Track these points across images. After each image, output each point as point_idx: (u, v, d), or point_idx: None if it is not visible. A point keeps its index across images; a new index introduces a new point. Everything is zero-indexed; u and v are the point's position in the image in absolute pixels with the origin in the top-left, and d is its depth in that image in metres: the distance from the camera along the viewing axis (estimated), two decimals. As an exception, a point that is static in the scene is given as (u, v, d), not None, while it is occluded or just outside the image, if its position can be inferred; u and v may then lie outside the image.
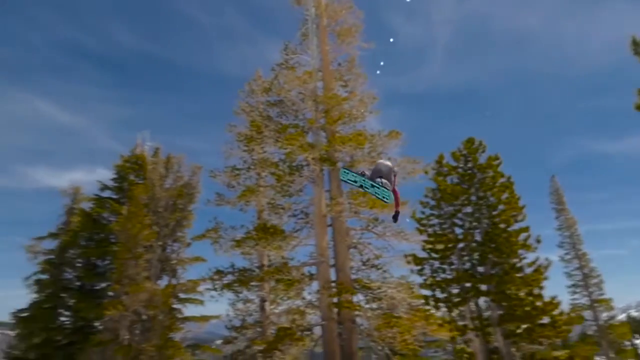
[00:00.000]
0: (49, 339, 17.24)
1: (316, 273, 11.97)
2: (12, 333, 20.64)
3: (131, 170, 18.84)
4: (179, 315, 16.23)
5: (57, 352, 16.94)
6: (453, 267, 16.53)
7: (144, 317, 14.27)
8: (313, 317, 12.29)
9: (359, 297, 11.78)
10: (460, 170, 18.06)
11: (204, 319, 17.08)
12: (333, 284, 11.52)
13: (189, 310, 17.11)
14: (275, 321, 13.55)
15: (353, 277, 11.94)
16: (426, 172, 17.78)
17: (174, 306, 15.66)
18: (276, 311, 13.72)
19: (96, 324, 17.01)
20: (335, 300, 11.05)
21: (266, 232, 11.86)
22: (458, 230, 17.17)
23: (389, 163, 4.56)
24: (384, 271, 11.91)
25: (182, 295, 16.53)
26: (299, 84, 13.23)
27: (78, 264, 18.08)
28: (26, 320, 17.80)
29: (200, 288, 16.88)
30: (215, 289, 11.67)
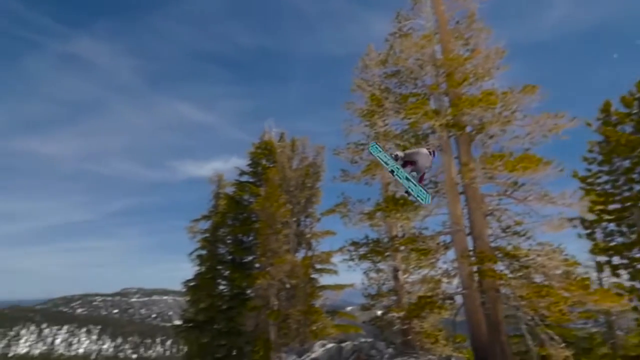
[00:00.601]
0: (213, 304, 20.48)
1: (451, 242, 11.72)
2: (183, 299, 25.10)
3: (262, 156, 20.84)
4: (317, 284, 17.63)
5: (219, 315, 20.03)
6: (634, 229, 14.42)
7: (288, 285, 15.92)
8: (448, 286, 12.16)
9: (499, 266, 11.21)
10: (635, 116, 15.38)
11: (339, 287, 18.17)
12: (471, 253, 11.16)
13: (325, 279, 18.42)
14: (410, 290, 13.78)
15: (492, 245, 11.36)
16: (589, 124, 15.75)
17: (312, 276, 17.02)
18: (410, 280, 13.91)
19: (248, 291, 19.60)
20: (475, 269, 10.71)
21: (396, 204, 12.01)
22: (637, 187, 14.83)
23: None
24: (528, 238, 11.04)
25: (318, 266, 17.86)
26: (416, 50, 12.77)
27: (228, 241, 20.93)
28: (193, 289, 21.39)
29: (334, 259, 18.11)
30: (352, 259, 12.33)
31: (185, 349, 21.84)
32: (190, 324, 20.94)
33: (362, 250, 12.29)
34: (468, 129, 11.93)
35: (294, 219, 17.68)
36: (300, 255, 17.57)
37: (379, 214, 12.62)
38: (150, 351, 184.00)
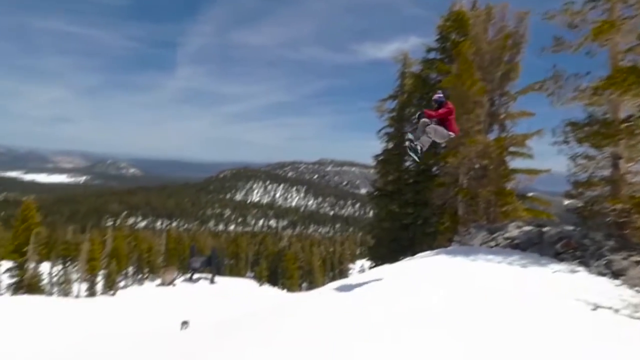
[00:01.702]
0: (400, 177, 22.26)
1: None
2: (369, 171, 27.95)
3: (452, 29, 18.93)
4: (509, 167, 16.74)
5: (406, 187, 21.76)
6: None
7: (477, 166, 15.68)
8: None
9: None
10: None
11: (534, 172, 16.83)
12: None
13: (517, 163, 17.24)
14: (632, 180, 11.69)
15: None
16: None
17: (505, 158, 16.15)
18: (634, 169, 11.69)
19: (434, 169, 20.29)
20: None
21: (631, 74, 9.58)
22: None
23: None
24: None
25: (511, 149, 16.69)
26: None
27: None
28: (382, 163, 23.43)
29: (529, 142, 16.49)
30: (566, 142, 11.00)
31: (373, 213, 25.09)
32: (381, 193, 23.62)
33: (582, 132, 10.73)
34: None
35: (488, 97, 16.32)
36: (492, 136, 16.64)
37: (602, 90, 10.41)
38: (343, 211, 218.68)
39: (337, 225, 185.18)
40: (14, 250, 32.80)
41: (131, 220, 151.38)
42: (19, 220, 34.29)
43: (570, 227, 6.81)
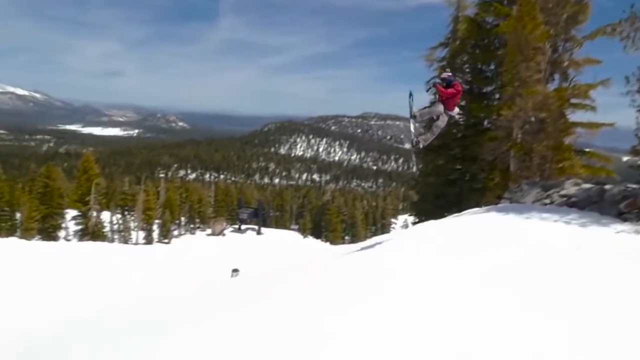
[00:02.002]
0: (448, 131, 21.26)
1: None
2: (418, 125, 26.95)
3: (514, -37, 16.94)
4: (569, 121, 15.50)
5: (454, 142, 20.92)
6: None
7: (533, 119, 14.64)
8: None
9: None
10: None
11: (596, 125, 15.51)
12: None
13: (577, 116, 15.90)
14: None
15: None
16: None
17: (565, 111, 14.94)
18: None
19: (485, 122, 19.24)
20: None
21: None
22: None
23: None
24: None
25: (573, 100, 15.34)
26: None
27: (467, 69, 19.98)
28: (429, 116, 22.49)
29: (593, 93, 15.08)
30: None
31: (418, 168, 24.43)
32: (427, 147, 22.89)
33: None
34: None
35: (550, 43, 14.86)
36: (552, 86, 15.35)
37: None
38: (386, 165, 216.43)
39: (380, 180, 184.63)
40: (78, 200, 35.99)
41: (181, 173, 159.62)
42: (80, 171, 37.30)
43: (635, 185, 6.25)
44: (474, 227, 6.55)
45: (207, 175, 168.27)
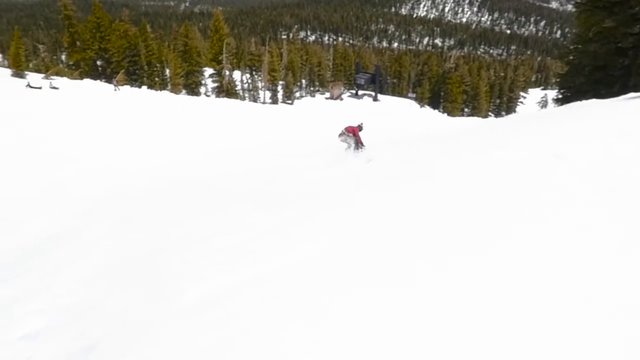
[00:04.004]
0: None
1: None
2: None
3: None
4: None
5: (642, -5, 15.89)
6: None
7: None
8: None
9: None
10: None
11: None
12: None
13: None
14: None
15: None
16: None
17: None
18: None
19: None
20: None
21: None
22: None
23: None
24: None
25: None
26: None
27: None
28: None
29: None
30: None
31: (573, 31, 19.73)
32: (593, 4, 17.98)
33: None
34: None
35: None
36: None
37: None
38: (523, 29, 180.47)
39: (513, 47, 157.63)
40: (213, 59, 39.23)
41: (302, 34, 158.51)
42: (212, 31, 39.66)
43: None
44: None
45: (326, 38, 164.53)
